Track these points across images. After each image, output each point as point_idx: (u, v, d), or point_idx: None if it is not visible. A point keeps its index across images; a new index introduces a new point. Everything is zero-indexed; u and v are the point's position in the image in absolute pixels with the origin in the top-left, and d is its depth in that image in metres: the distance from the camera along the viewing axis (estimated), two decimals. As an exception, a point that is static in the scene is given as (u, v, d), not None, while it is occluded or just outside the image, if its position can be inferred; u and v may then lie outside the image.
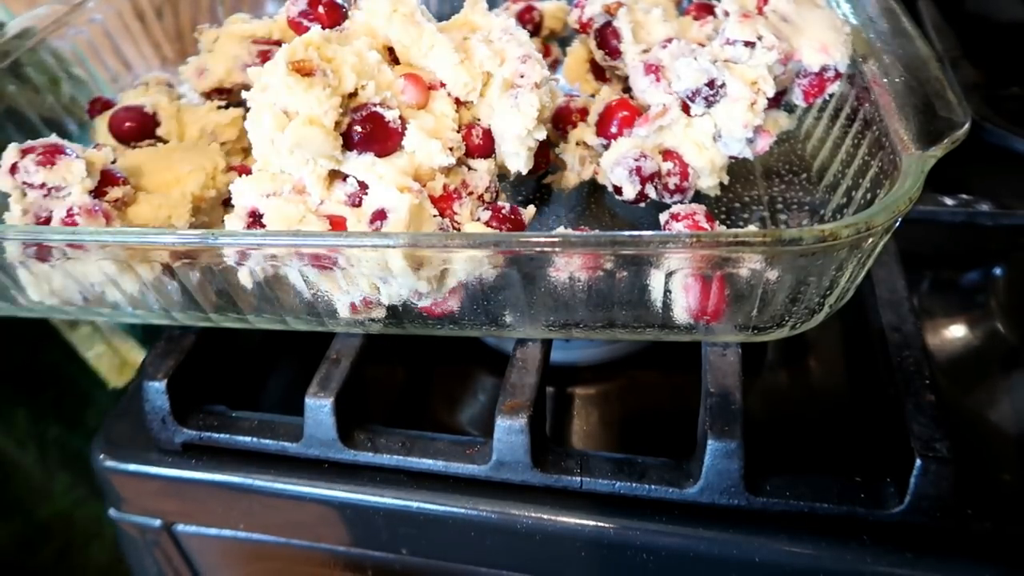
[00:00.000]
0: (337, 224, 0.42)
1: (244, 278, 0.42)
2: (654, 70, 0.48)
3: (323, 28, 0.44)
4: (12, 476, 0.66)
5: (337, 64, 0.41)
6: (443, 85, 0.44)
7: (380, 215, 0.41)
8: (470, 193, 0.44)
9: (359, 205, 0.42)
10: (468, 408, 0.52)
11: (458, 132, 0.44)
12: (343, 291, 0.42)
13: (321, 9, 0.47)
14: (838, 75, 0.47)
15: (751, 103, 0.45)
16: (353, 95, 0.42)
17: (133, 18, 0.68)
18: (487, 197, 0.45)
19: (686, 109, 0.47)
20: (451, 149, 0.43)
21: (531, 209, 0.46)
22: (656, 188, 0.47)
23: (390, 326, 0.45)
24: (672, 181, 0.47)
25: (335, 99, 0.40)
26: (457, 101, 0.45)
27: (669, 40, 0.48)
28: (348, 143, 0.41)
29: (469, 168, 0.45)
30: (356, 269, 0.39)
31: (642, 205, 0.48)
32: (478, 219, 0.43)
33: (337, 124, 0.41)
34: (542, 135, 0.45)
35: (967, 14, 0.84)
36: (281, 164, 0.42)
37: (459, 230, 0.43)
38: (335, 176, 0.43)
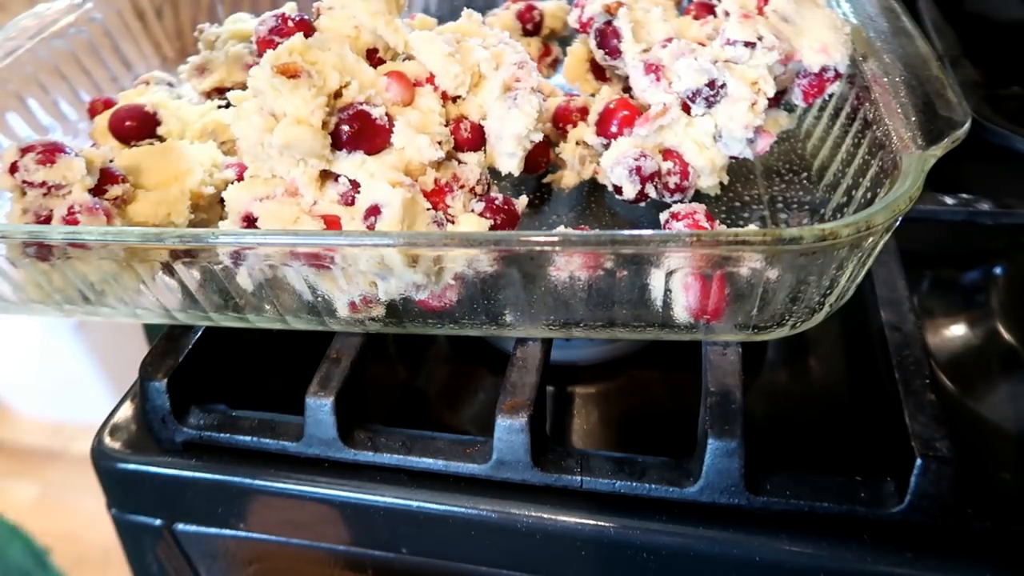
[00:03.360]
0: (332, 223, 0.42)
1: (243, 280, 0.42)
2: (654, 69, 0.48)
3: None
4: None
5: (321, 65, 0.41)
6: (431, 80, 0.45)
7: (374, 211, 0.41)
8: (461, 186, 0.44)
9: (352, 204, 0.42)
10: (468, 407, 0.52)
11: (446, 127, 0.44)
12: (342, 290, 0.42)
13: (291, 25, 0.47)
14: (838, 75, 0.47)
15: (752, 104, 0.45)
16: (338, 96, 0.42)
17: (133, 17, 0.68)
18: (479, 190, 0.45)
19: (686, 109, 0.47)
20: (439, 143, 0.43)
21: (523, 199, 0.46)
22: (656, 187, 0.47)
23: (390, 325, 0.45)
24: (672, 180, 0.47)
25: (321, 98, 0.40)
26: (444, 96, 0.45)
27: (669, 40, 0.48)
28: (337, 143, 0.42)
29: (459, 162, 0.45)
30: (353, 267, 0.39)
31: (642, 205, 0.48)
32: (472, 211, 0.44)
33: (324, 124, 0.41)
34: (539, 137, 0.45)
35: (967, 13, 0.84)
36: (272, 167, 0.42)
37: (453, 222, 0.43)
38: (326, 177, 0.43)
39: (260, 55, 0.43)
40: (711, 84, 0.45)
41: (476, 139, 0.45)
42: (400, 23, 0.46)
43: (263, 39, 0.47)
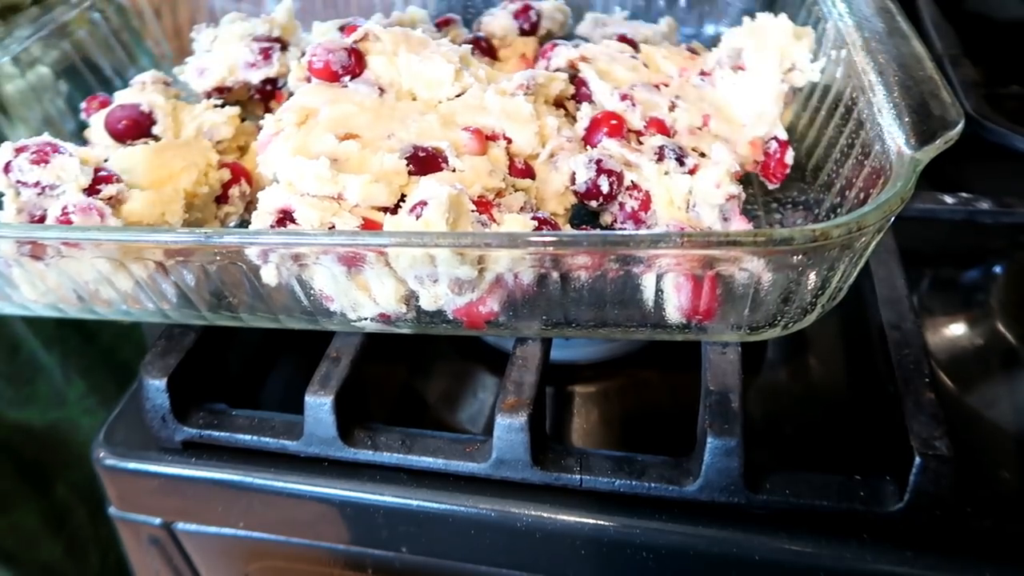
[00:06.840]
0: (370, 225, 0.42)
1: (269, 276, 0.42)
2: (627, 96, 0.49)
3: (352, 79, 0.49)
4: (37, 374, 0.70)
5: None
6: (508, 141, 0.47)
7: (420, 204, 0.40)
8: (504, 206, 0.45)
9: (395, 212, 0.42)
10: (468, 406, 0.52)
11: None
12: (375, 299, 0.42)
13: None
14: (785, 144, 0.49)
15: (728, 173, 0.46)
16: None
17: (132, 16, 0.68)
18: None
19: (660, 158, 0.47)
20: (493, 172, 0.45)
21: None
22: (612, 186, 0.46)
23: (388, 325, 0.45)
24: (630, 204, 0.47)
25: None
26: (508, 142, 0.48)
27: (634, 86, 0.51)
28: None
29: (514, 189, 0.46)
30: (395, 264, 0.39)
31: (594, 204, 0.47)
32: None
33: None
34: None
35: (967, 12, 0.84)
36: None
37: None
38: None
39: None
40: (679, 148, 0.47)
41: (528, 171, 0.48)
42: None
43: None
